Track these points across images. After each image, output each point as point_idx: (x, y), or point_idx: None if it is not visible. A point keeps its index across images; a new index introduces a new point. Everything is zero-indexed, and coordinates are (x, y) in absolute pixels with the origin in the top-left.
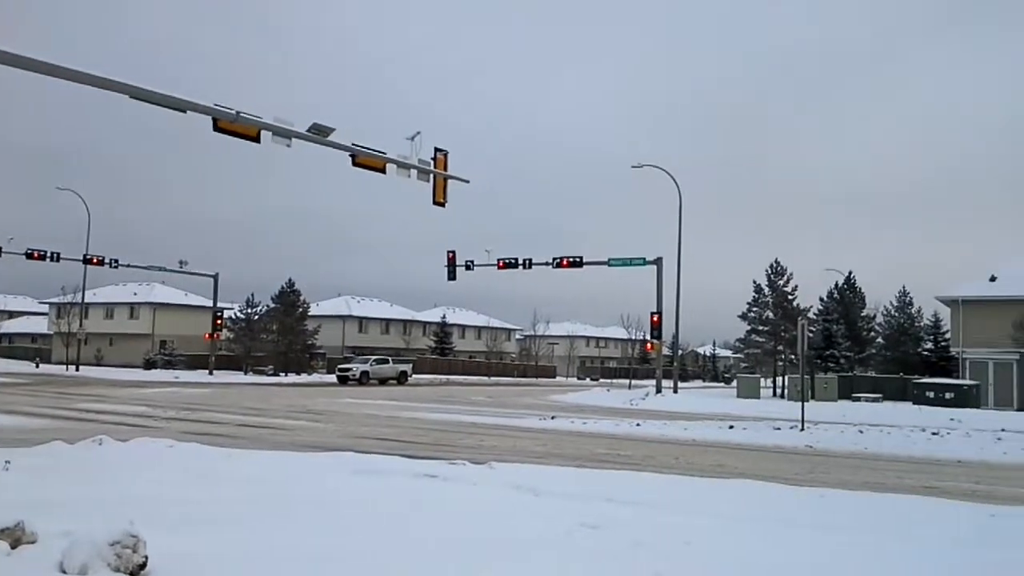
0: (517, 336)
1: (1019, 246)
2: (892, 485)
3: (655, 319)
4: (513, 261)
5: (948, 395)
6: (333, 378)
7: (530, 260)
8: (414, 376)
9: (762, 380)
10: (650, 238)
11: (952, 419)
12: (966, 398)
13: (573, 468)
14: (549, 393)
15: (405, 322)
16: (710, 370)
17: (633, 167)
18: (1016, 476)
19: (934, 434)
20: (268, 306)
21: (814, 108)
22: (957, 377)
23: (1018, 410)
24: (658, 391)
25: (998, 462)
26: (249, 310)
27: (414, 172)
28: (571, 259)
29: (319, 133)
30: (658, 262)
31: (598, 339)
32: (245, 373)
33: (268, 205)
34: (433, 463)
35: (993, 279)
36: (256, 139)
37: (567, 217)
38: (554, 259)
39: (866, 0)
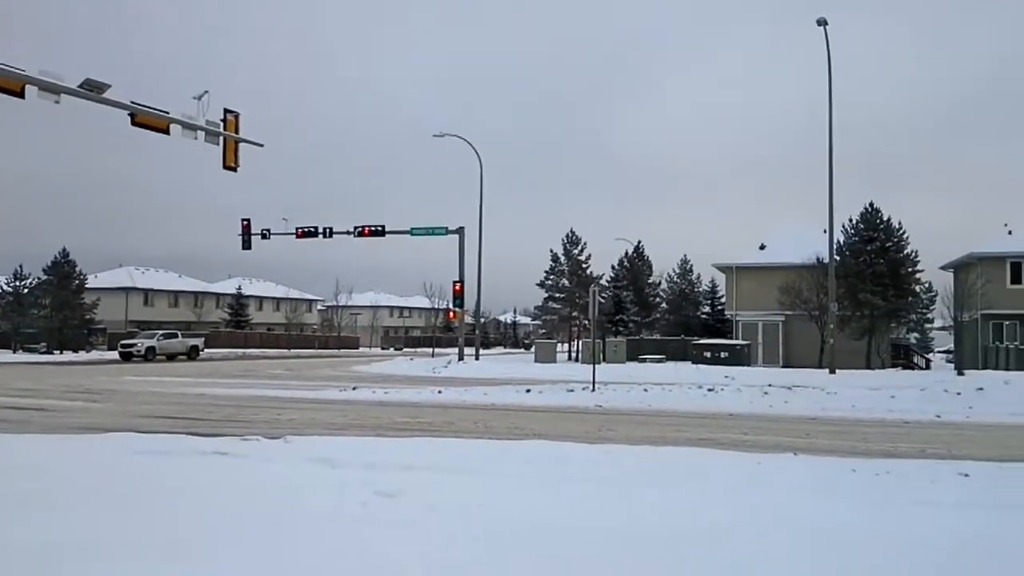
0: (319, 307)
1: (787, 218)
2: (672, 438)
3: (457, 288)
4: (312, 230)
5: (723, 354)
6: (116, 355)
7: (330, 229)
8: (207, 351)
9: (559, 345)
10: (454, 208)
11: (726, 376)
12: (739, 357)
13: (373, 438)
14: (352, 364)
15: (197, 294)
16: (511, 337)
17: (435, 136)
18: (778, 426)
19: (710, 390)
20: (39, 279)
21: (614, 85)
22: (731, 338)
23: (783, 367)
24: (460, 359)
25: (764, 414)
26: (17, 283)
27: (202, 134)
28: (373, 228)
29: (93, 89)
30: (460, 231)
31: (402, 309)
32: (14, 351)
33: (35, 169)
34: (224, 440)
35: (763, 248)
36: (20, 94)
37: (372, 187)
38: (355, 228)
39: None
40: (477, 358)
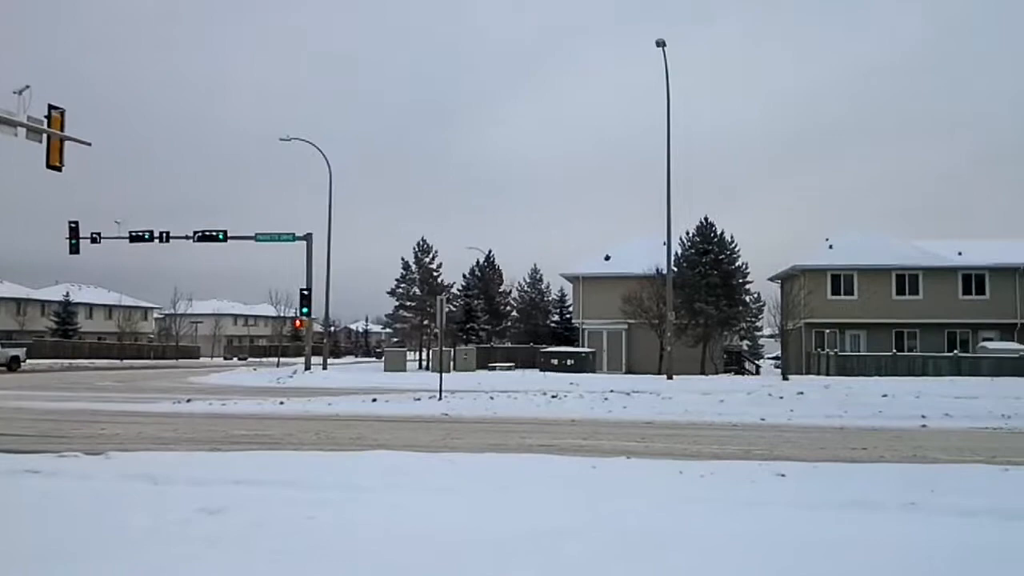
0: (156, 315)
1: (632, 229)
2: (515, 445)
3: (305, 295)
4: (147, 234)
5: (569, 361)
6: None
7: (167, 233)
8: (30, 361)
9: (410, 354)
10: (303, 214)
11: (571, 383)
12: (584, 364)
13: (205, 452)
14: (190, 375)
15: (19, 301)
16: (362, 346)
17: (282, 140)
18: (617, 431)
19: (554, 397)
20: None
21: (470, 96)
22: (579, 345)
23: (626, 373)
24: (307, 368)
25: (603, 419)
26: None
27: (22, 131)
28: (213, 233)
29: None
30: (308, 238)
31: (247, 317)
32: None
33: None
34: (38, 457)
35: (608, 259)
36: None
37: (219, 192)
38: (195, 233)
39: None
40: (325, 367)
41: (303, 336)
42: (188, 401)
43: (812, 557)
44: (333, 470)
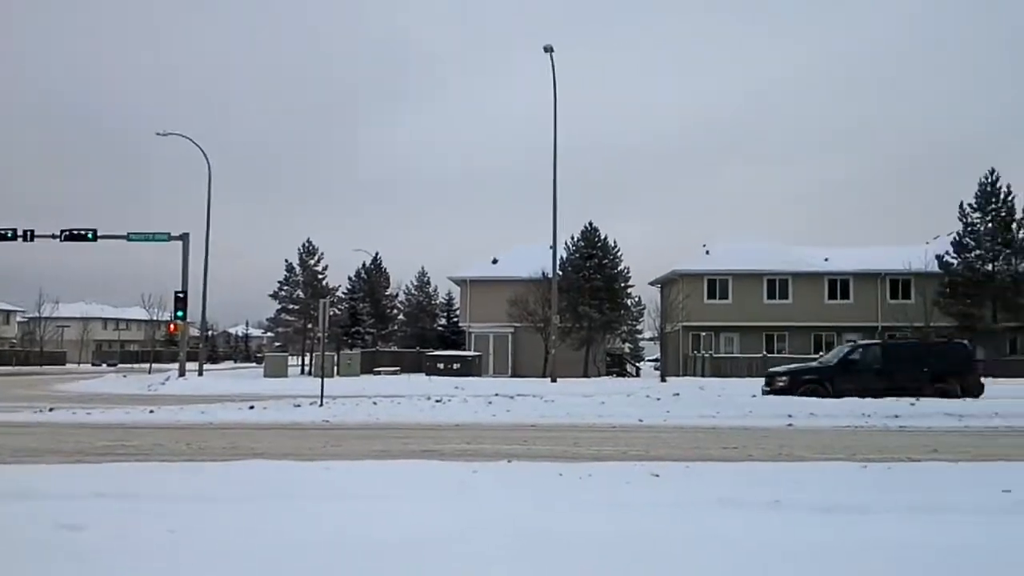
0: (19, 319)
1: (519, 233)
2: (398, 451)
3: (180, 298)
4: (9, 233)
5: (455, 365)
6: None
7: (31, 232)
8: None
9: (293, 359)
10: (181, 214)
11: (456, 387)
12: (470, 367)
13: (66, 465)
14: (55, 382)
15: None
16: (242, 351)
17: (158, 135)
18: (500, 434)
19: (438, 402)
20: None
21: (361, 99)
22: (465, 349)
23: (512, 376)
24: (181, 375)
25: (487, 423)
26: None
27: None
28: (82, 232)
29: None
30: (184, 238)
31: (117, 321)
32: None
33: None
34: None
35: (495, 262)
36: None
37: (90, 189)
38: (62, 232)
39: (456, 5)
40: (201, 374)
41: (178, 341)
42: (50, 410)
43: (684, 555)
44: (205, 481)
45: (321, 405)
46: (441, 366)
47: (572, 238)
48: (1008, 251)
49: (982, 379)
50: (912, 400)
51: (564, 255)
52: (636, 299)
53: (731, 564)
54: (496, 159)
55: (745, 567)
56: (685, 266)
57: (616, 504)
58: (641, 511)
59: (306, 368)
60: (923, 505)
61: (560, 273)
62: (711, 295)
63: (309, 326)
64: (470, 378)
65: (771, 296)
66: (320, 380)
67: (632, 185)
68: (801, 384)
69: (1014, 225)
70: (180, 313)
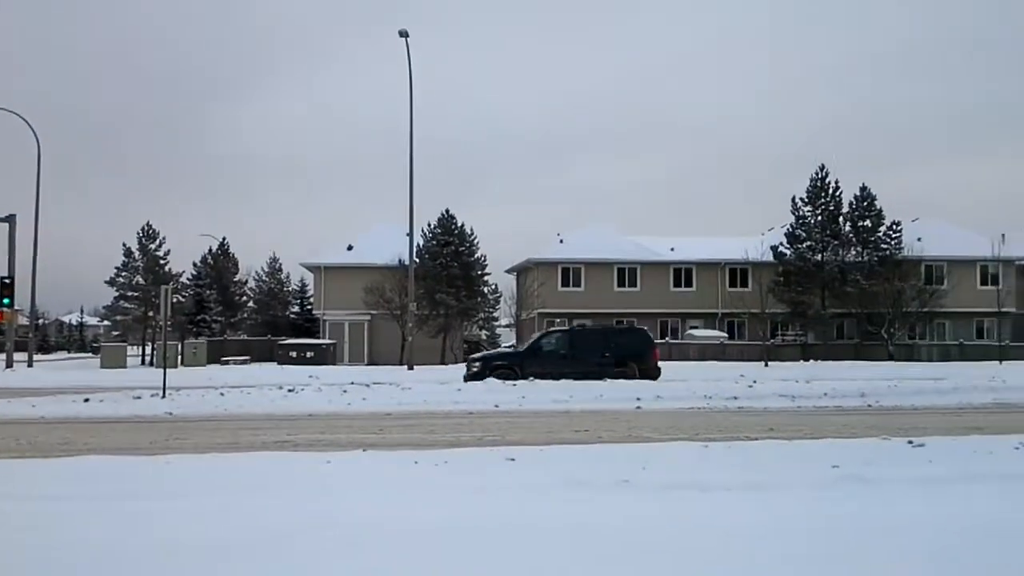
0: None
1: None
2: (246, 444)
3: (7, 284)
4: None
5: (309, 354)
6: None
7: None
8: None
9: (132, 348)
10: (9, 195)
11: (310, 376)
12: (324, 356)
13: None
14: None
15: None
16: (77, 340)
17: None
18: (355, 423)
19: (291, 391)
20: None
21: (217, 81)
22: (320, 337)
23: (368, 364)
24: (9, 366)
25: (342, 412)
26: None
27: None
28: None
29: None
30: (11, 219)
31: None
32: None
33: None
34: None
35: (351, 248)
36: None
37: None
38: None
39: None
40: (31, 365)
41: (4, 330)
42: None
43: (536, 536)
44: (35, 479)
45: (164, 397)
46: (294, 355)
47: (429, 225)
48: (836, 243)
49: (659, 364)
50: (752, 383)
51: (421, 242)
52: (493, 286)
53: (578, 542)
54: (351, 144)
55: (591, 545)
56: (540, 255)
57: (472, 489)
58: (496, 495)
59: (147, 358)
60: (759, 482)
61: (417, 260)
62: (565, 283)
63: (150, 314)
64: (325, 367)
65: (621, 284)
66: (162, 370)
67: (490, 174)
68: (493, 369)
69: (841, 218)
70: (7, 300)
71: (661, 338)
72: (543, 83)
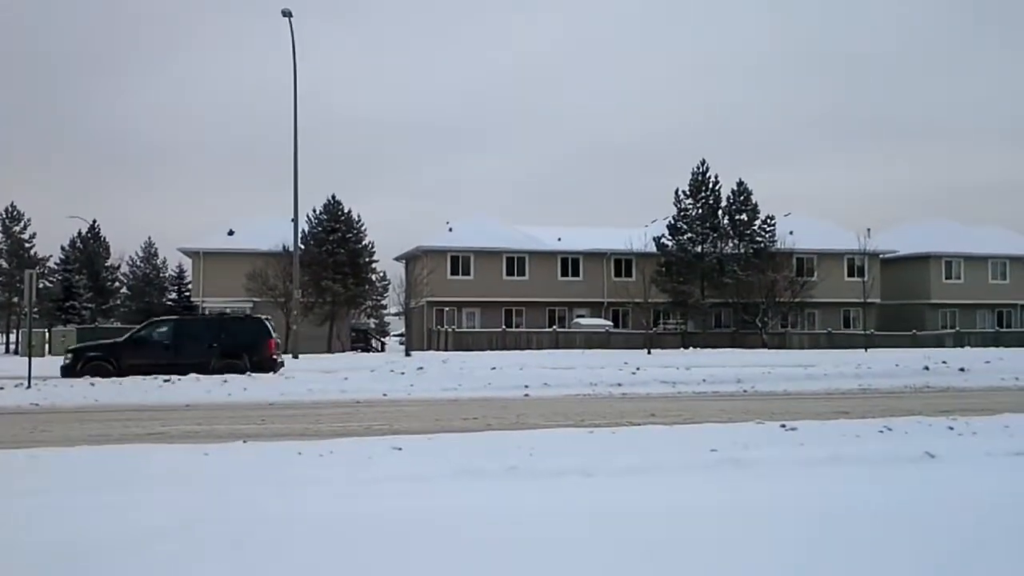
0: None
1: (258, 205)
2: (119, 435)
3: None
4: None
5: None
6: None
7: None
8: None
9: None
10: None
11: None
12: None
13: None
14: None
15: None
16: None
17: None
18: (236, 414)
19: (166, 380)
20: None
21: (96, 59)
22: None
23: None
24: None
25: (222, 403)
26: None
27: None
28: None
29: None
30: None
31: None
32: None
33: None
34: None
35: (231, 233)
36: None
37: None
38: None
39: None
40: None
41: None
42: None
43: (422, 528)
44: None
45: (29, 387)
46: None
47: (315, 211)
48: (715, 235)
49: (276, 356)
50: (635, 370)
51: (307, 228)
52: (381, 274)
53: (464, 532)
54: (236, 128)
55: (476, 534)
56: (429, 243)
57: (357, 481)
58: (382, 486)
59: (11, 347)
60: (640, 466)
61: (302, 247)
62: (454, 271)
63: (15, 300)
64: None
65: (510, 273)
66: (28, 359)
67: (380, 162)
68: (86, 361)
69: (720, 212)
70: None
71: (549, 326)
72: (433, 75)
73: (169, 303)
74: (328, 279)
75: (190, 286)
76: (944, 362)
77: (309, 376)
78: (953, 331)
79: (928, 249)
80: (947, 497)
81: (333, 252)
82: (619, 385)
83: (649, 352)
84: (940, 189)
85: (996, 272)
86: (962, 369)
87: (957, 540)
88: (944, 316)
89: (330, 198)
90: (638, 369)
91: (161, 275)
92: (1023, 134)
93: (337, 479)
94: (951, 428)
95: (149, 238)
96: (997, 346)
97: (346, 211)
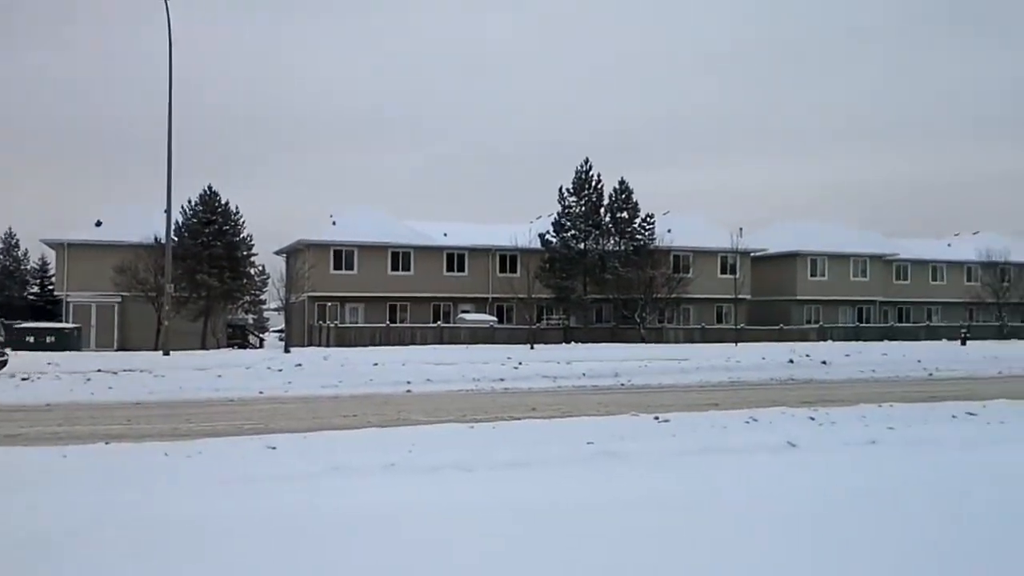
0: None
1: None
2: None
3: None
4: None
5: (50, 339)
6: None
7: None
8: None
9: None
10: None
11: (49, 363)
12: (68, 341)
13: None
14: None
15: None
16: None
17: None
18: (100, 414)
19: (24, 379)
20: None
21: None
22: (62, 321)
23: (119, 350)
24: None
25: (85, 402)
26: None
27: None
28: None
29: None
30: None
31: None
32: None
33: None
34: None
35: (99, 224)
36: None
37: None
38: None
39: None
40: None
41: None
42: None
43: (291, 526)
44: None
45: None
46: (32, 339)
47: (190, 202)
48: (597, 232)
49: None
50: (518, 364)
51: (181, 220)
52: (260, 268)
53: (334, 532)
54: (100, 111)
55: (346, 533)
56: (311, 236)
57: (227, 480)
58: (253, 485)
59: None
60: (519, 460)
61: (176, 239)
62: (337, 265)
63: None
64: (68, 353)
65: (395, 268)
66: None
67: (262, 153)
68: None
69: (602, 210)
70: None
71: (433, 322)
72: (322, 64)
73: (31, 297)
74: (203, 273)
75: (54, 279)
76: (808, 355)
77: (180, 374)
78: (817, 326)
79: (795, 248)
80: (805, 485)
81: (209, 244)
82: (502, 380)
83: (532, 347)
84: (812, 189)
85: (857, 270)
86: (824, 362)
87: (811, 524)
88: (809, 311)
89: (206, 188)
90: (521, 364)
91: (22, 267)
92: (889, 135)
93: (202, 480)
94: (812, 419)
95: (10, 228)
96: (857, 340)
97: (224, 202)
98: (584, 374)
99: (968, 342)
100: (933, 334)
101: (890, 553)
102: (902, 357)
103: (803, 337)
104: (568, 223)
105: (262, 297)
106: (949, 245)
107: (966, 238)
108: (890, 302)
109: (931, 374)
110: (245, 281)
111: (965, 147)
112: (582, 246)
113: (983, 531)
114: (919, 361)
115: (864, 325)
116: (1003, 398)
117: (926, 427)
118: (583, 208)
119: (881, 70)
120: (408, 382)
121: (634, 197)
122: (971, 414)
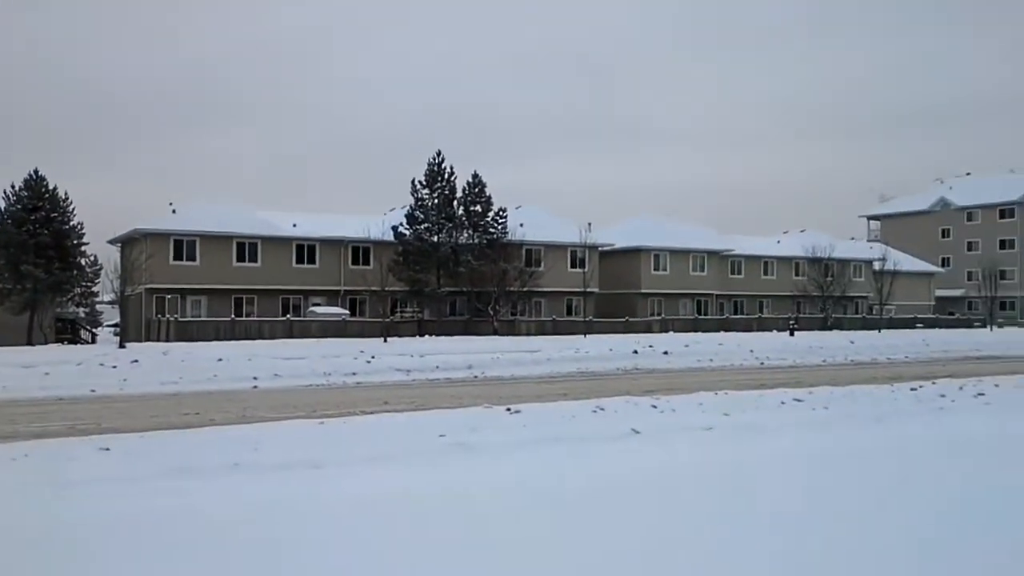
0: None
1: None
2: None
3: None
4: None
5: None
6: None
7: None
8: None
9: None
10: None
11: None
12: None
13: None
14: None
15: None
16: None
17: None
18: None
19: None
20: None
21: None
22: None
23: None
24: None
25: None
26: None
27: None
28: None
29: None
30: None
31: None
32: None
33: None
34: None
35: None
36: None
37: None
38: None
39: None
40: None
41: None
42: None
43: (132, 533)
44: None
45: None
46: None
47: (14, 187)
48: (450, 225)
49: None
50: (370, 358)
51: (3, 206)
52: (93, 258)
53: (172, 536)
54: None
55: (185, 536)
56: (149, 225)
57: (58, 484)
58: (85, 489)
59: None
60: (370, 455)
61: None
62: (178, 256)
63: None
64: None
65: (240, 259)
66: None
67: (96, 137)
68: None
69: (455, 203)
70: None
71: (283, 315)
72: (163, 47)
73: None
74: (29, 263)
75: None
76: (651, 346)
77: (3, 371)
78: (660, 318)
79: (639, 243)
80: (647, 467)
81: (35, 233)
82: (354, 374)
83: (386, 340)
84: (659, 185)
85: (696, 265)
86: (666, 352)
87: (654, 505)
88: (652, 304)
89: (32, 173)
90: (373, 358)
91: None
92: (723, 139)
93: (24, 486)
94: (654, 407)
95: None
96: (696, 332)
97: (51, 188)
98: (438, 367)
99: (796, 333)
100: (764, 325)
101: (728, 522)
102: (736, 347)
103: (647, 329)
104: (422, 215)
105: (94, 289)
106: (778, 242)
107: (794, 235)
108: (726, 295)
109: (763, 363)
110: (75, 272)
111: (789, 150)
112: (436, 239)
113: (798, 501)
114: (752, 351)
115: (702, 317)
116: (827, 384)
117: (757, 413)
118: (436, 201)
119: (716, 81)
120: (255, 378)
121: (487, 191)
122: (798, 400)
